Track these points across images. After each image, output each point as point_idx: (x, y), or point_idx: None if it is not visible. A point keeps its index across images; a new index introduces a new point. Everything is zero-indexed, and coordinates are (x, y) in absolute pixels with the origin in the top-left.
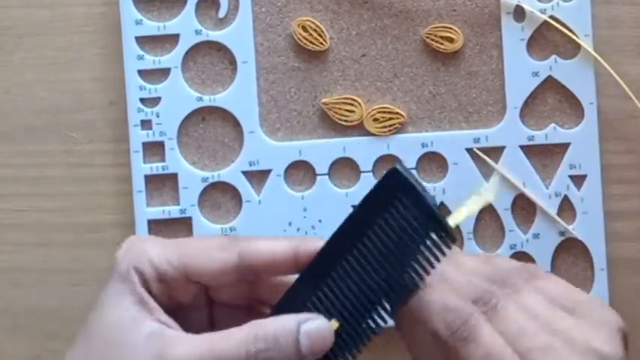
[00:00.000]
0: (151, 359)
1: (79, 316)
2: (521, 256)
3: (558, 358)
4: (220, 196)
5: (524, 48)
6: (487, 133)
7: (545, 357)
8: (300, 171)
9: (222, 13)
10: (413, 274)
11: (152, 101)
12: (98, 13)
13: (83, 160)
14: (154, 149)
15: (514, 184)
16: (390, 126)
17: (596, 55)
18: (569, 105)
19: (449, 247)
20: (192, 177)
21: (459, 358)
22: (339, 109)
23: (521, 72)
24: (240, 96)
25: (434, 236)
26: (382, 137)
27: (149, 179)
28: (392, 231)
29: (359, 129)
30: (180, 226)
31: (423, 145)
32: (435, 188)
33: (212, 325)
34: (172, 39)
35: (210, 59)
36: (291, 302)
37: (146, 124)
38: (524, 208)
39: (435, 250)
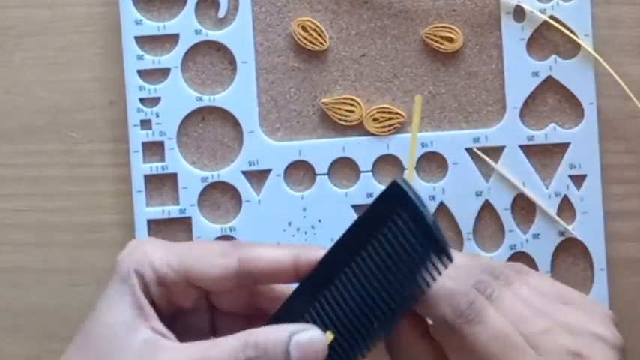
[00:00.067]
0: None
1: (79, 316)
2: (520, 256)
3: (559, 340)
4: (220, 196)
5: (524, 48)
6: (487, 133)
7: (546, 339)
8: (299, 171)
9: (221, 13)
10: (408, 292)
11: (152, 101)
12: (98, 13)
13: (83, 160)
14: (154, 149)
15: (514, 184)
16: (390, 126)
17: (596, 55)
18: (569, 105)
19: (445, 266)
20: (192, 177)
21: (466, 342)
22: (339, 109)
23: (521, 72)
24: (239, 96)
25: (432, 254)
26: (382, 137)
27: (149, 179)
28: (390, 246)
29: (359, 129)
30: (179, 226)
31: (423, 145)
32: (434, 188)
33: (214, 332)
34: (172, 39)
35: (210, 59)
36: (288, 312)
37: (146, 124)
38: (523, 208)
39: (431, 269)
